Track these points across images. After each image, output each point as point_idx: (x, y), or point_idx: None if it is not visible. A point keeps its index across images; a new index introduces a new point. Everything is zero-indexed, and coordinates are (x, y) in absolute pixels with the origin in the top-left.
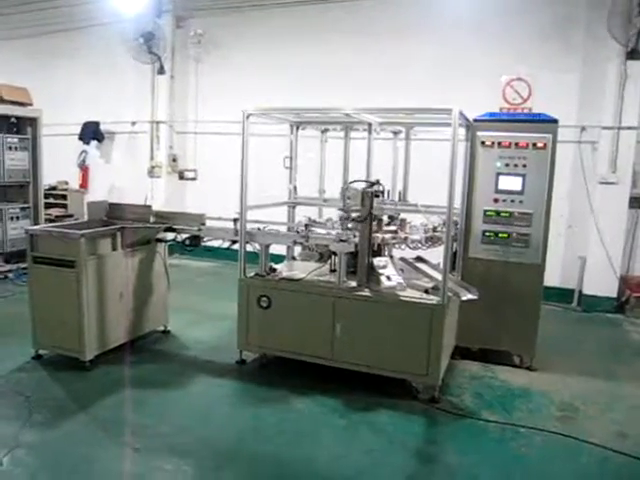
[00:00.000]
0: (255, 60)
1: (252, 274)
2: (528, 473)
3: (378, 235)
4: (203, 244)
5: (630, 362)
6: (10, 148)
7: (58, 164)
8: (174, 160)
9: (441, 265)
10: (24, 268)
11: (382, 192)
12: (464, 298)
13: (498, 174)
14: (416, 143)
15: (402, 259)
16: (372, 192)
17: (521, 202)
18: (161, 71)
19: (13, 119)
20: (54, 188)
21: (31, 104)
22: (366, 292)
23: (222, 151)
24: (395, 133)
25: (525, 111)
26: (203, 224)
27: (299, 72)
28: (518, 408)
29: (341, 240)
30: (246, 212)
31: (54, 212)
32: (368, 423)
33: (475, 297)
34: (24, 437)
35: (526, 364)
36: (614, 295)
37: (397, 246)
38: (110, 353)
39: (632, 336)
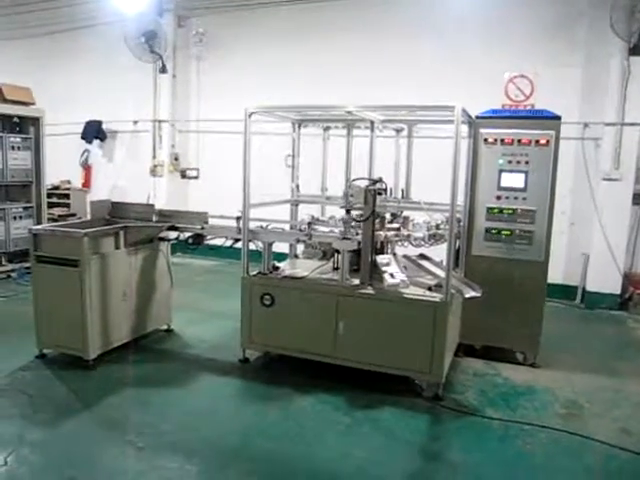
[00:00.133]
0: (257, 58)
1: (255, 272)
2: (532, 470)
3: (381, 233)
4: (206, 243)
5: (634, 359)
6: (13, 148)
7: (61, 163)
8: (176, 159)
9: (444, 262)
10: (27, 267)
11: (385, 190)
12: (467, 295)
13: (501, 171)
14: (418, 140)
15: (405, 257)
16: (375, 190)
17: (524, 199)
18: (163, 70)
19: (16, 119)
20: (57, 187)
21: (34, 103)
22: (369, 290)
23: (224, 150)
24: (397, 131)
25: (528, 108)
26: (206, 223)
27: (301, 70)
28: (522, 405)
29: (344, 238)
30: (249, 210)
31: (57, 211)
32: (371, 421)
33: (478, 294)
34: (28, 436)
35: (530, 361)
36: (617, 292)
37: (400, 244)
38: (113, 352)
39: (636, 333)
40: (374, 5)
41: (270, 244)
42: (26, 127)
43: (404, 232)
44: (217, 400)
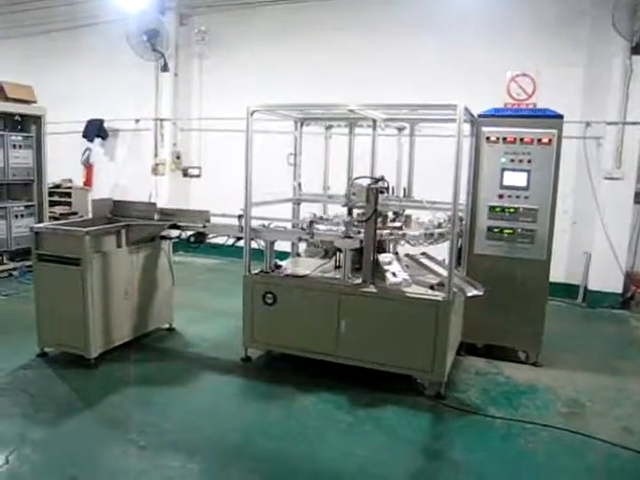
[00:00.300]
0: (259, 57)
1: (257, 271)
2: (535, 469)
3: (383, 231)
4: (208, 241)
5: (636, 358)
6: (14, 146)
7: (62, 162)
8: (178, 157)
9: (446, 261)
10: (29, 266)
11: (387, 188)
12: (469, 294)
13: (503, 170)
14: (420, 139)
15: (407, 255)
16: (377, 188)
17: (526, 198)
18: (165, 68)
19: (17, 117)
20: (58, 186)
21: (35, 102)
22: (371, 288)
23: (226, 148)
24: (399, 129)
25: (530, 107)
26: (208, 221)
27: (303, 69)
28: (524, 404)
29: (346, 236)
30: (251, 209)
31: (58, 210)
32: (374, 419)
33: (480, 293)
34: (29, 435)
35: (532, 360)
36: (619, 291)
37: (402, 242)
38: (115, 351)
39: (638, 332)
40: (376, 4)
41: (272, 243)
42: (28, 125)
43: (406, 231)
44: (219, 399)
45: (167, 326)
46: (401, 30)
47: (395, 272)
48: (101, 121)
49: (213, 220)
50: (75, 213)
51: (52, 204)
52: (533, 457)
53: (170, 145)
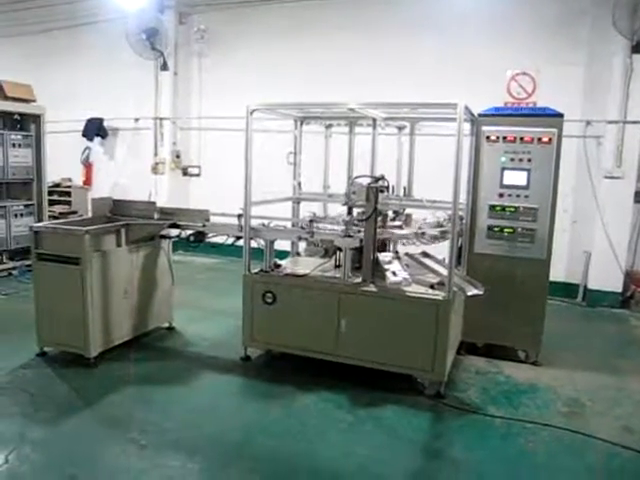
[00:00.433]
0: (259, 56)
1: (257, 270)
2: (535, 469)
3: (383, 230)
4: (207, 240)
5: (636, 357)
6: (14, 145)
7: (62, 161)
8: (178, 156)
9: (446, 260)
10: (28, 265)
11: (387, 187)
12: (470, 293)
13: (503, 169)
14: (421, 138)
15: (407, 254)
16: (377, 187)
17: (526, 197)
18: (164, 67)
19: (17, 116)
20: (58, 185)
21: (34, 101)
22: (371, 288)
23: (226, 147)
24: (399, 128)
25: (530, 105)
26: (207, 220)
27: (303, 68)
28: (524, 403)
29: (346, 235)
30: (250, 208)
31: (58, 209)
32: (374, 419)
33: (481, 292)
34: (29, 434)
35: (532, 359)
36: (619, 290)
37: (402, 241)
38: (115, 350)
39: (637, 331)
40: (377, 3)
41: (272, 242)
42: (27, 124)
43: (406, 230)
44: (219, 398)
45: (167, 325)
46: (401, 29)
47: (395, 271)
48: (101, 120)
49: (213, 219)
50: (75, 212)
51: (52, 203)
52: (533, 456)
53: (170, 144)
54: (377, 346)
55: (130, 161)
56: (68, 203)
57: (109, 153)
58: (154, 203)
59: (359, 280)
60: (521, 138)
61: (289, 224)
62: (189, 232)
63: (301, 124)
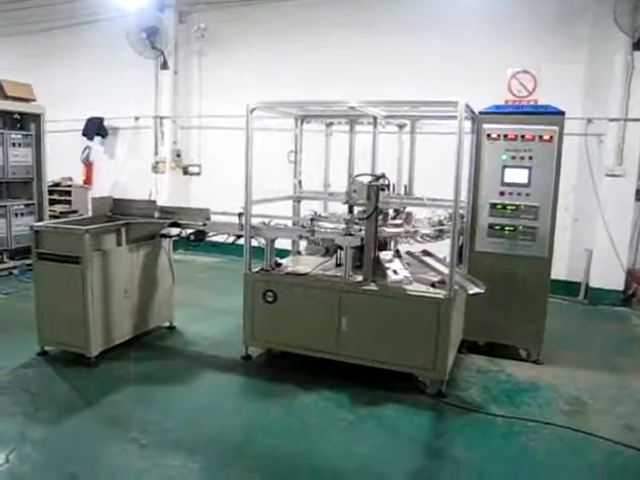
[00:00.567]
0: (259, 54)
1: (257, 269)
2: (536, 467)
3: (384, 229)
4: (208, 239)
5: (637, 356)
6: (14, 144)
7: (62, 160)
8: (178, 155)
9: (447, 259)
10: (29, 265)
11: (387, 186)
12: (471, 292)
13: (504, 167)
14: (421, 136)
15: (408, 253)
16: (378, 186)
17: (527, 195)
18: (164, 66)
19: (17, 115)
20: (58, 184)
21: (34, 100)
22: (372, 286)
23: (226, 146)
24: (400, 126)
25: (531, 103)
26: (208, 219)
27: (303, 67)
28: (526, 402)
29: (347, 234)
30: (251, 207)
31: (58, 208)
32: (375, 417)
33: (482, 291)
34: (30, 433)
35: (533, 358)
36: (621, 288)
37: (403, 240)
38: (115, 349)
39: (639, 330)
40: (378, 2)
41: (272, 240)
42: (27, 124)
43: (407, 228)
44: (220, 397)
45: (167, 324)
46: (402, 28)
47: (396, 270)
48: (101, 119)
49: (213, 218)
50: (75, 211)
51: (52, 202)
52: (534, 455)
53: (170, 143)
54: (378, 345)
55: (130, 160)
56: (68, 202)
57: (109, 152)
58: (154, 202)
59: (360, 279)
60: (522, 136)
61: (290, 223)
62: (190, 231)
63: (302, 122)
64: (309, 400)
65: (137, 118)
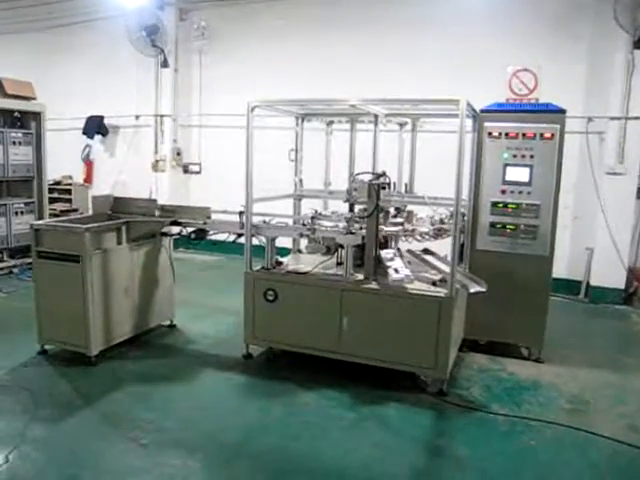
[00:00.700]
0: (260, 53)
1: (258, 267)
2: (538, 466)
3: (385, 227)
4: (208, 238)
5: (639, 354)
6: (14, 143)
7: (62, 159)
8: (178, 154)
9: (449, 257)
10: (29, 263)
11: (388, 184)
12: (472, 290)
13: (505, 165)
14: (422, 135)
15: (409, 251)
16: (379, 184)
17: (529, 193)
18: (165, 64)
19: (17, 113)
20: (58, 183)
21: (35, 98)
22: (373, 285)
23: (226, 144)
24: (401, 125)
25: (532, 102)
26: (209, 217)
27: (304, 65)
28: (527, 401)
29: (348, 232)
30: (252, 205)
31: (58, 207)
32: (376, 416)
33: (483, 289)
34: (30, 432)
35: (534, 356)
36: (622, 286)
37: (404, 238)
38: (116, 348)
39: None
40: (378, 0)
41: (273, 239)
42: (27, 122)
43: (408, 227)
44: (220, 396)
45: (168, 323)
46: (402, 26)
47: (397, 268)
48: (101, 117)
49: (214, 216)
50: (75, 210)
51: (52, 201)
52: (536, 454)
53: (170, 141)
54: (379, 344)
55: (131, 159)
56: (69, 201)
57: (110, 151)
58: (155, 201)
59: (361, 277)
60: (523, 134)
61: (290, 221)
62: (190, 229)
63: (302, 121)
64: (310, 399)
65: (137, 116)
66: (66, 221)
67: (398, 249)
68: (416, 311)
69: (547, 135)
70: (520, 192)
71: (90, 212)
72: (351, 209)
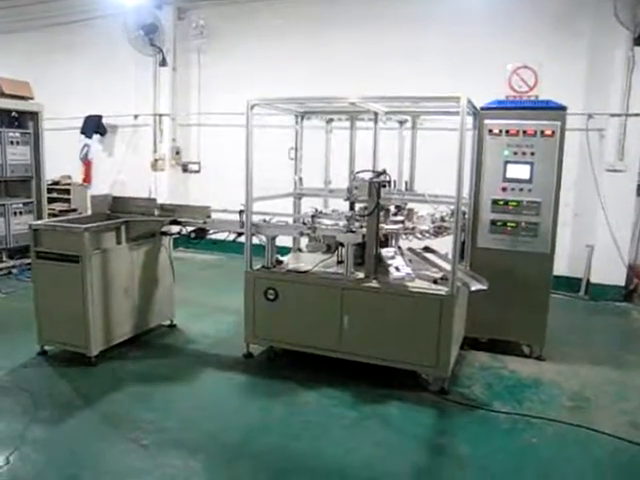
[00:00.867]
0: (258, 51)
1: (258, 266)
2: (539, 464)
3: (385, 225)
4: (208, 237)
5: (639, 351)
6: (12, 143)
7: (60, 158)
8: (177, 153)
9: (449, 255)
10: (28, 264)
11: (389, 182)
12: (473, 288)
13: (506, 162)
14: (422, 132)
15: (410, 249)
16: (379, 182)
17: (529, 191)
18: (163, 63)
19: (14, 113)
20: (57, 183)
21: (32, 98)
22: (374, 283)
23: (226, 143)
24: (401, 122)
25: (532, 99)
26: (208, 217)
27: (303, 63)
28: (528, 398)
29: (348, 231)
30: (251, 204)
31: (57, 207)
32: (377, 415)
33: (484, 287)
34: (30, 433)
35: (535, 354)
36: (622, 284)
37: (405, 236)
38: (116, 348)
39: None
40: None
41: (273, 238)
42: (25, 122)
43: (409, 225)
44: (221, 396)
45: (168, 323)
46: (403, 24)
47: (398, 266)
48: (99, 117)
49: (214, 215)
50: (74, 210)
51: (51, 201)
52: (537, 451)
53: (169, 140)
54: (380, 342)
55: (129, 158)
56: (67, 201)
57: (108, 150)
58: (154, 200)
59: (362, 276)
60: (524, 131)
61: (291, 220)
62: (190, 229)
63: (302, 119)
64: (311, 398)
65: (136, 116)
66: (65, 221)
67: (399, 247)
68: (417, 309)
69: (548, 132)
70: (521, 189)
71: (89, 212)
72: (351, 207)
